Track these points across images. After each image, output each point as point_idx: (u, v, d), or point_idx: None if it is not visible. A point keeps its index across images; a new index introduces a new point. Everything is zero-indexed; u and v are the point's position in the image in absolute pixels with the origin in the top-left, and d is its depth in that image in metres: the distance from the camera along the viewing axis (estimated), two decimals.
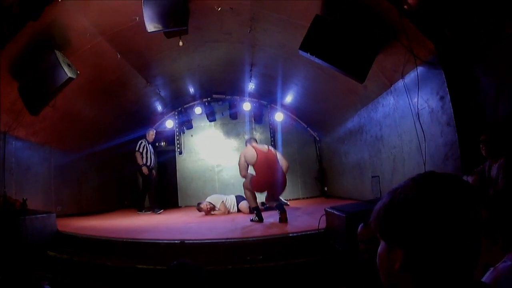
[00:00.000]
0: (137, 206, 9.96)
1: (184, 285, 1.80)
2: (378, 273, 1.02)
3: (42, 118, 6.82)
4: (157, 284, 1.92)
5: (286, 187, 7.53)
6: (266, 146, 7.69)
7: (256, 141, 7.88)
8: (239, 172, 7.46)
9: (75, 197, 9.20)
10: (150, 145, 9.97)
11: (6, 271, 1.92)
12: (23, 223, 5.32)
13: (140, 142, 9.79)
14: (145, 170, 9.59)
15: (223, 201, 9.08)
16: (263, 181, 7.19)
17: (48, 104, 6.25)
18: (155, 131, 10.39)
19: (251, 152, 7.31)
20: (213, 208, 8.94)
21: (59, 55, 5.82)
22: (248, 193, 7.18)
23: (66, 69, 5.79)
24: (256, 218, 6.77)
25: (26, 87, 6.04)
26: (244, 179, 7.35)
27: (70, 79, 5.87)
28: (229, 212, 8.95)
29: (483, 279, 1.55)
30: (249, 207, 7.81)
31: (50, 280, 4.75)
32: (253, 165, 7.24)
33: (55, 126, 7.80)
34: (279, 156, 7.59)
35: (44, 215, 5.94)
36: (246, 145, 7.74)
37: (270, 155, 7.41)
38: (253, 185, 7.13)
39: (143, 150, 9.69)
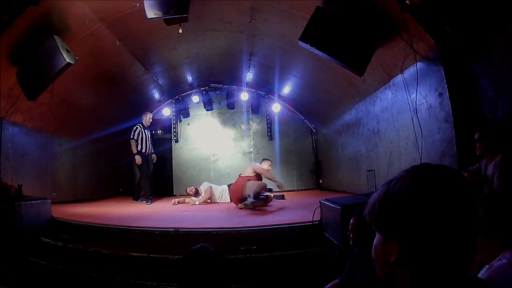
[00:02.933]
0: (133, 194, 9.82)
1: (204, 270, 1.80)
2: (372, 266, 1.02)
3: (40, 103, 6.78)
4: (177, 268, 1.90)
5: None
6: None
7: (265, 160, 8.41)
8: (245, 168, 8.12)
9: (70, 184, 9.18)
10: (146, 130, 9.47)
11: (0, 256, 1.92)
12: (18, 209, 5.27)
13: (135, 128, 9.28)
14: (138, 159, 9.12)
15: (209, 188, 9.25)
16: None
17: (46, 90, 6.23)
18: (152, 114, 9.94)
19: None
20: (196, 192, 9.28)
21: (58, 40, 5.78)
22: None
23: (64, 54, 5.76)
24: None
25: (24, 72, 6.01)
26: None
27: (69, 64, 5.84)
28: (209, 201, 9.25)
29: (479, 276, 1.56)
30: None
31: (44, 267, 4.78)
32: None
33: (52, 112, 7.77)
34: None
35: (39, 201, 5.90)
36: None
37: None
38: None
39: (138, 136, 9.23)
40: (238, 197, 7.71)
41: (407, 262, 0.89)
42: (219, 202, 9.20)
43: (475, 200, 0.92)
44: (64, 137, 8.81)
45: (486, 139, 3.60)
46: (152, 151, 9.67)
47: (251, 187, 7.32)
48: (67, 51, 5.87)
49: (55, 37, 5.78)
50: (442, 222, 0.86)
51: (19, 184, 5.85)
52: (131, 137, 9.20)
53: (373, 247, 1.00)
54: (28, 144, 7.45)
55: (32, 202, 5.70)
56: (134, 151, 9.15)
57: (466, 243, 0.89)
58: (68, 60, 5.79)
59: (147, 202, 9.28)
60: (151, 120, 9.72)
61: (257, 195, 7.23)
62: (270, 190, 8.63)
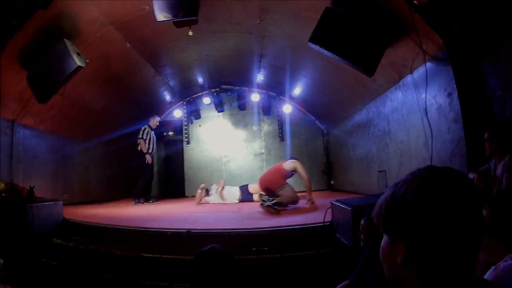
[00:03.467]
0: (134, 195, 9.62)
1: (214, 270, 1.82)
2: (381, 267, 1.04)
3: (51, 106, 6.87)
4: (188, 268, 1.91)
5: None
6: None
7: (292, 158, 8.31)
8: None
9: (82, 185, 9.28)
10: (153, 131, 9.69)
11: (12, 257, 1.96)
12: (30, 210, 5.35)
13: (143, 128, 9.53)
14: (148, 158, 9.36)
15: (220, 189, 9.44)
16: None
17: (57, 93, 6.31)
18: (159, 118, 10.08)
19: None
20: (207, 192, 9.66)
21: (68, 43, 5.85)
22: None
23: (75, 57, 5.83)
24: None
25: (35, 76, 6.09)
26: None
27: (79, 67, 5.91)
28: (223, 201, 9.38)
29: (485, 277, 1.57)
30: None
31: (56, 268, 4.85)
32: None
33: (63, 114, 7.86)
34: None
35: (51, 202, 5.98)
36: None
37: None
38: None
39: (146, 137, 9.45)
40: (266, 186, 7.66)
41: (413, 263, 0.91)
42: (229, 203, 9.30)
43: (480, 202, 0.93)
44: (75, 140, 8.91)
45: (495, 139, 3.57)
46: (156, 153, 9.89)
47: (288, 195, 7.36)
48: (78, 54, 5.94)
49: (65, 40, 5.85)
50: (446, 223, 0.87)
51: (30, 186, 5.94)
52: (140, 137, 9.38)
53: (380, 249, 1.02)
54: (39, 147, 7.56)
55: (44, 203, 5.77)
56: (145, 150, 9.34)
57: (470, 245, 0.91)
58: (79, 63, 5.86)
59: (152, 202, 9.48)
60: (158, 123, 9.91)
61: (282, 205, 7.21)
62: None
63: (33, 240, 5.27)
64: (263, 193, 7.65)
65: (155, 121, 9.80)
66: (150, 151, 9.49)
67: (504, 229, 1.70)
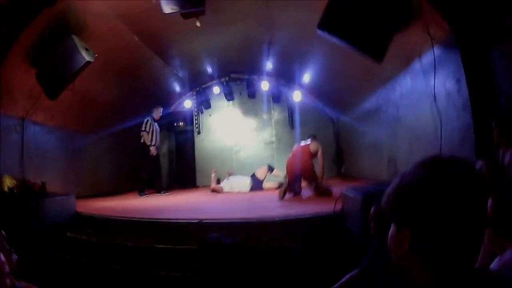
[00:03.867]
0: (138, 188, 9.53)
1: (219, 260, 1.83)
2: (389, 258, 1.06)
3: (60, 101, 6.84)
4: (193, 257, 1.91)
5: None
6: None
7: (311, 137, 8.03)
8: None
9: (93, 178, 9.40)
10: (156, 123, 9.65)
11: (26, 253, 1.99)
12: (42, 205, 5.43)
13: (146, 120, 9.44)
14: (153, 150, 9.31)
15: (228, 179, 9.81)
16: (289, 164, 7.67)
17: (67, 88, 6.35)
18: (162, 109, 9.98)
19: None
20: (218, 182, 10.03)
21: (76, 39, 5.89)
22: None
23: (83, 53, 5.87)
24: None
25: (44, 72, 6.14)
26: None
27: (88, 62, 5.96)
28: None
29: (490, 267, 1.58)
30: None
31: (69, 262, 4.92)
32: None
33: (73, 109, 7.94)
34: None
35: (64, 197, 6.07)
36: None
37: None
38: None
39: (149, 129, 9.38)
40: (301, 171, 7.52)
41: (419, 250, 0.94)
42: (239, 192, 9.47)
43: (484, 193, 0.95)
44: (85, 133, 9.00)
45: (503, 127, 3.53)
46: (159, 145, 9.83)
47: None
48: (86, 49, 5.98)
49: (73, 36, 5.88)
50: (450, 212, 0.90)
51: (42, 182, 6.00)
52: (143, 129, 9.34)
53: (388, 237, 1.05)
54: (49, 143, 7.67)
55: (57, 198, 5.86)
56: (148, 143, 9.31)
57: (472, 233, 0.93)
58: (87, 58, 5.90)
59: (163, 192, 9.62)
60: (161, 114, 9.88)
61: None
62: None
63: (46, 235, 5.36)
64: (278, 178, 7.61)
65: (158, 112, 9.74)
66: (153, 143, 9.43)
67: (509, 219, 1.69)
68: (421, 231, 0.93)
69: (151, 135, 9.40)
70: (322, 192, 7.02)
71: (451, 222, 0.90)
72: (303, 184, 7.63)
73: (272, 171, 9.99)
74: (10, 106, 6.44)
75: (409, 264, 0.98)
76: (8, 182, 5.95)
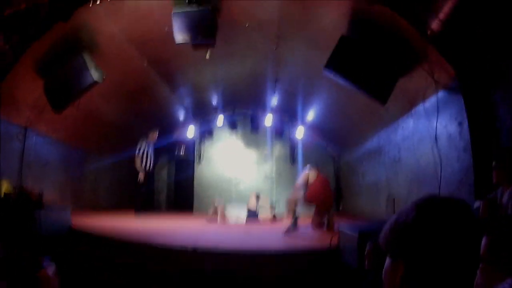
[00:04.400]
0: (135, 207, 9.45)
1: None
2: None
3: (64, 116, 6.90)
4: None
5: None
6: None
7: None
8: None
9: (91, 194, 9.42)
10: (151, 147, 9.59)
11: (16, 261, 2.03)
12: (38, 216, 5.41)
13: (139, 145, 9.39)
14: (141, 176, 9.25)
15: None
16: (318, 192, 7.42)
17: (72, 104, 6.43)
18: (157, 132, 9.85)
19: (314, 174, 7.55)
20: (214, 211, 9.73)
21: (86, 57, 5.99)
22: (293, 205, 7.29)
23: (92, 72, 5.97)
24: (293, 225, 6.96)
25: (51, 85, 6.24)
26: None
27: (96, 83, 6.06)
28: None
29: None
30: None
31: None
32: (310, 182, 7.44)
33: (76, 125, 8.00)
34: None
35: (60, 210, 6.09)
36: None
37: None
38: (307, 196, 7.41)
39: (141, 153, 9.35)
40: (326, 201, 7.47)
41: (410, 280, 0.99)
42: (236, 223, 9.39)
43: (475, 232, 1.03)
44: (87, 150, 9.07)
45: (503, 168, 3.59)
46: (151, 168, 9.77)
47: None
48: (95, 69, 6.06)
49: (84, 54, 5.98)
50: (439, 248, 0.96)
51: (39, 192, 5.99)
52: (137, 154, 9.31)
53: (383, 271, 1.10)
54: (51, 154, 7.72)
55: (53, 210, 5.86)
56: (139, 169, 9.27)
57: (462, 267, 0.98)
58: (95, 78, 6.01)
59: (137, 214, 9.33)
60: (156, 136, 9.81)
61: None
62: None
63: (39, 247, 5.22)
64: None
65: (153, 135, 9.70)
66: (146, 168, 9.43)
67: (504, 254, 1.71)
68: (412, 264, 0.99)
69: (143, 159, 9.35)
70: (331, 226, 6.95)
71: (441, 257, 0.96)
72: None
73: (259, 199, 10.04)
74: (14, 114, 6.51)
75: None
76: (5, 188, 5.94)
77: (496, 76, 4.21)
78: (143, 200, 9.83)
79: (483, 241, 1.61)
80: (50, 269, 2.06)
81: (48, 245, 5.44)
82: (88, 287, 4.86)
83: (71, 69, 6.04)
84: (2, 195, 5.86)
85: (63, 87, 6.13)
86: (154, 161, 9.78)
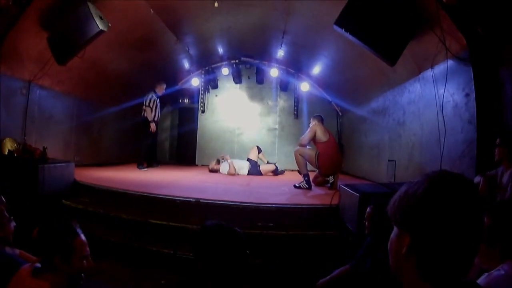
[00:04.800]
0: (138, 161, 9.78)
1: (221, 246, 1.86)
2: (381, 256, 1.17)
3: (69, 68, 6.87)
4: (193, 242, 1.95)
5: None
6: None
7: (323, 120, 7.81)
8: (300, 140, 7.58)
9: (94, 147, 9.47)
10: (158, 99, 9.77)
11: (22, 218, 2.08)
12: (41, 171, 5.43)
13: (150, 96, 9.55)
14: (153, 127, 9.43)
15: (225, 161, 9.86)
16: (333, 162, 7.38)
17: (77, 55, 6.36)
18: (165, 85, 10.04)
19: (322, 130, 7.42)
20: (218, 162, 10.03)
21: (91, 6, 5.85)
22: (302, 160, 7.28)
23: (97, 21, 5.84)
24: (306, 185, 7.11)
25: (55, 37, 6.15)
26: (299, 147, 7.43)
27: (101, 31, 5.93)
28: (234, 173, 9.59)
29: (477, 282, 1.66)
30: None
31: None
32: (321, 142, 7.36)
33: (81, 76, 7.95)
34: None
35: (63, 164, 6.10)
36: (315, 121, 7.70)
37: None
38: (320, 164, 7.31)
39: (153, 104, 9.50)
40: (337, 167, 7.58)
41: (415, 254, 1.03)
42: (238, 174, 9.63)
43: (481, 210, 1.04)
44: (91, 102, 9.02)
45: (506, 146, 3.61)
46: (159, 121, 10.03)
47: None
48: (100, 18, 5.94)
49: (89, 3, 5.84)
50: (448, 222, 0.99)
51: (43, 147, 6.03)
52: (147, 104, 9.45)
53: (389, 240, 1.13)
54: (54, 108, 7.69)
55: (56, 165, 5.88)
56: (150, 118, 9.41)
57: (466, 246, 1.02)
58: (101, 27, 5.87)
59: (155, 165, 9.82)
60: (164, 90, 9.96)
61: None
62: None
63: (43, 202, 5.38)
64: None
65: (161, 88, 9.83)
66: (155, 118, 9.59)
67: (499, 238, 1.78)
68: (419, 237, 1.02)
69: (154, 111, 9.52)
70: (335, 186, 7.04)
71: (448, 232, 0.98)
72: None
73: (260, 152, 10.29)
74: (18, 69, 6.46)
75: (404, 268, 1.06)
76: (9, 145, 5.99)
77: (503, 55, 4.16)
78: (153, 151, 10.15)
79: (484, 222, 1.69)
80: (82, 235, 2.13)
81: (51, 200, 5.57)
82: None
83: (76, 20, 5.91)
84: (6, 152, 5.91)
85: (68, 38, 6.03)
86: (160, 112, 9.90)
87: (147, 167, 9.63)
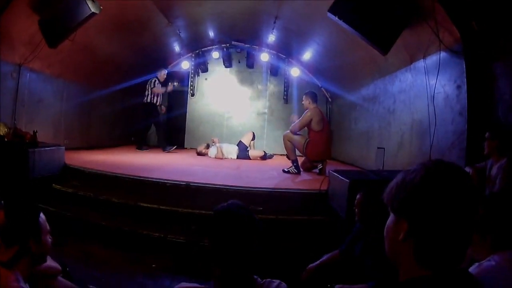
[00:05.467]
0: (138, 143, 10.32)
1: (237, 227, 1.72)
2: (371, 241, 1.21)
3: (60, 50, 6.80)
4: (210, 224, 1.78)
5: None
6: None
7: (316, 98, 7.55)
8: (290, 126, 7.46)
9: (84, 131, 9.44)
10: (160, 84, 10.07)
11: (12, 204, 1.98)
12: (32, 155, 5.40)
13: (154, 80, 9.94)
14: (164, 109, 10.07)
15: (215, 145, 9.87)
16: (320, 151, 7.31)
17: (68, 38, 6.31)
18: (166, 71, 10.44)
19: (319, 117, 7.23)
20: (207, 146, 10.09)
21: None
22: (290, 145, 7.28)
23: (89, 4, 5.79)
24: (295, 170, 7.15)
25: (47, 20, 6.08)
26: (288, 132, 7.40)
27: (93, 14, 5.88)
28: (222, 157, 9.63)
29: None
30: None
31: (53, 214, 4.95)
32: (314, 131, 7.24)
33: (72, 59, 7.85)
34: None
35: (53, 148, 6.07)
36: (309, 99, 7.38)
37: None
38: (308, 151, 7.25)
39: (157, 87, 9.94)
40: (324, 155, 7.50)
41: (412, 238, 1.07)
42: (227, 158, 9.71)
43: (476, 199, 1.09)
44: (81, 84, 8.95)
45: (496, 139, 3.68)
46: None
47: None
48: (92, 0, 5.88)
49: None
50: (444, 209, 1.03)
51: (34, 131, 5.96)
52: (154, 86, 9.93)
53: (386, 226, 1.17)
54: (44, 91, 7.61)
55: (46, 149, 5.85)
56: (158, 102, 10.07)
57: (461, 232, 1.06)
58: (93, 9, 5.82)
59: (168, 149, 10.10)
60: (165, 76, 10.32)
61: None
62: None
63: (34, 185, 5.35)
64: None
65: (162, 74, 10.21)
66: (160, 102, 10.09)
67: (491, 229, 1.82)
68: (416, 223, 1.06)
69: (158, 95, 10.01)
70: (323, 171, 7.10)
71: (444, 218, 1.03)
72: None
73: (253, 139, 10.37)
74: (9, 52, 6.36)
75: (401, 253, 1.10)
76: (0, 130, 5.96)
77: (500, 48, 4.21)
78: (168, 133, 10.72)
79: None
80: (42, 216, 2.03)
81: (42, 184, 5.53)
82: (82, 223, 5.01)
83: (67, 2, 5.85)
84: None
85: (59, 21, 5.98)
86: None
87: (171, 147, 10.18)
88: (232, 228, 1.67)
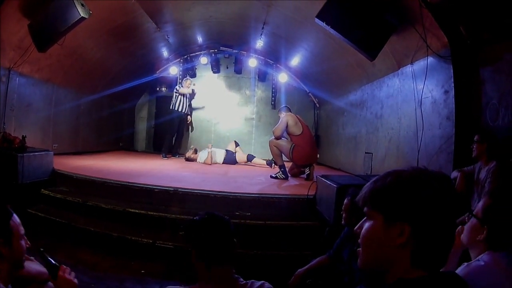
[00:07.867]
0: (163, 150, 10.50)
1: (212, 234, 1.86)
2: (357, 247, 1.18)
3: (49, 54, 6.81)
4: (187, 233, 1.94)
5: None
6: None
7: (290, 110, 7.89)
8: (273, 132, 7.55)
9: (72, 135, 9.33)
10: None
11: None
12: (21, 160, 5.39)
13: (177, 86, 10.68)
14: (189, 118, 10.74)
15: (208, 152, 9.78)
16: (307, 155, 7.41)
17: (57, 42, 6.26)
18: (191, 80, 10.98)
19: (294, 121, 7.42)
20: (195, 152, 10.25)
21: None
22: (277, 150, 7.33)
23: (79, 8, 5.73)
24: (282, 175, 7.18)
25: (36, 24, 6.04)
26: (272, 137, 7.50)
27: (83, 18, 5.82)
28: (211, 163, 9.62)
29: (457, 272, 1.70)
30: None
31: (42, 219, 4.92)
32: (295, 135, 7.39)
33: (61, 63, 7.79)
34: None
35: (42, 153, 6.05)
36: (282, 112, 7.79)
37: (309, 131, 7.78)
38: (295, 156, 7.34)
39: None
40: (311, 159, 7.61)
41: (413, 241, 1.03)
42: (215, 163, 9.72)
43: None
44: (70, 89, 8.85)
45: (485, 143, 3.72)
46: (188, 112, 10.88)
47: None
48: (82, 5, 5.83)
49: None
50: (443, 210, 1.04)
51: (23, 136, 5.92)
52: (178, 91, 10.49)
53: (365, 232, 1.13)
54: (33, 95, 7.51)
55: (35, 154, 5.82)
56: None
57: (452, 233, 1.09)
58: (82, 14, 5.76)
59: (177, 155, 10.52)
60: (190, 84, 10.91)
61: None
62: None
63: (23, 191, 5.35)
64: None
65: (187, 82, 10.83)
66: (180, 109, 10.52)
67: (490, 222, 1.79)
68: (420, 226, 1.02)
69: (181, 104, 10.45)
70: (311, 177, 7.16)
71: (443, 219, 1.04)
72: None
73: (237, 146, 10.47)
74: None
75: (394, 257, 1.06)
76: None
77: (488, 53, 4.26)
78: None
79: (482, 202, 1.78)
80: (14, 214, 1.92)
81: (31, 190, 5.52)
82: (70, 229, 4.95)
83: (57, 6, 5.78)
84: None
85: (49, 25, 5.91)
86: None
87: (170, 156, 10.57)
88: (215, 230, 1.82)
